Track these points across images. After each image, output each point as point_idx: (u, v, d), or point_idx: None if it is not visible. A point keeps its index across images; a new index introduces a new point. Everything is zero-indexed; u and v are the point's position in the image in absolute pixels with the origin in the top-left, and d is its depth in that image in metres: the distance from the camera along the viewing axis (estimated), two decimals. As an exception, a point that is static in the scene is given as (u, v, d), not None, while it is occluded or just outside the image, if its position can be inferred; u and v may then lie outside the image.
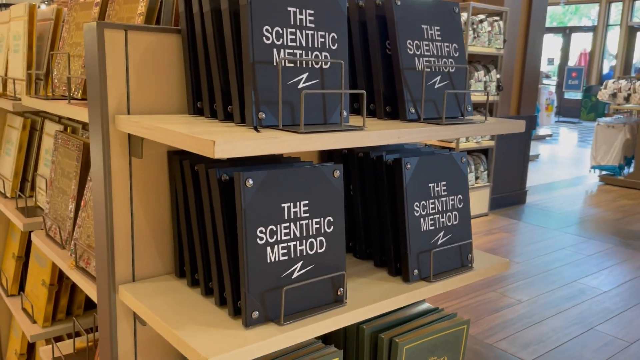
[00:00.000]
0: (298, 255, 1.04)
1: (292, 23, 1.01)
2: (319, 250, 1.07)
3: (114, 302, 1.18)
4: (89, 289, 1.29)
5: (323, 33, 1.05)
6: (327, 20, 1.06)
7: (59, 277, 1.92)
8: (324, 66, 1.05)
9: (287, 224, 1.02)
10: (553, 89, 15.42)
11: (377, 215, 1.29)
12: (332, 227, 1.09)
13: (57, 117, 2.08)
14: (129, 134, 1.13)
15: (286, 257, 1.02)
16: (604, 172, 7.86)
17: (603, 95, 7.88)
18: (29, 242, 2.18)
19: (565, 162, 9.51)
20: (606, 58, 17.26)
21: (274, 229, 1.01)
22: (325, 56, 1.06)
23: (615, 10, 16.74)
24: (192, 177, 1.11)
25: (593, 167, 7.97)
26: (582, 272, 4.24)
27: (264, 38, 0.98)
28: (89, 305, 2.06)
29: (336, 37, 1.07)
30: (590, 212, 6.15)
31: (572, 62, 18.13)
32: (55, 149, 1.66)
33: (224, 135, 0.87)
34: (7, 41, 1.98)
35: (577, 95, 17.55)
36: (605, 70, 17.38)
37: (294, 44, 1.02)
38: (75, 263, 1.40)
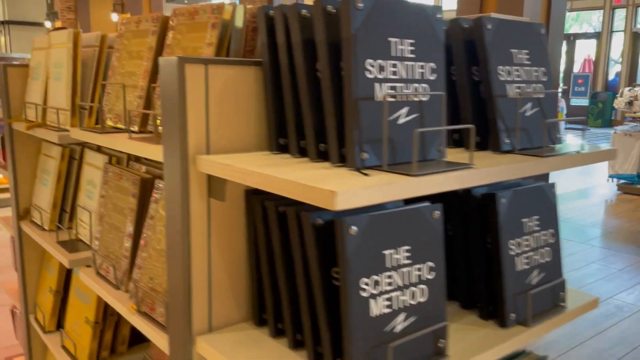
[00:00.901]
0: (401, 306, 0.95)
1: (392, 55, 0.93)
2: (420, 300, 0.98)
3: (189, 354, 1.09)
4: (158, 338, 1.20)
5: (422, 64, 0.97)
6: (426, 49, 0.98)
7: (104, 314, 1.83)
8: (422, 99, 0.97)
9: (390, 273, 0.94)
10: (559, 95, 15.37)
11: (464, 254, 1.20)
12: (433, 273, 1.00)
13: (96, 146, 2.01)
14: (208, 175, 1.05)
15: (389, 310, 0.94)
16: (622, 181, 7.76)
17: (619, 103, 7.81)
18: (67, 276, 2.09)
19: (579, 170, 9.41)
20: (610, 64, 17.21)
21: (377, 279, 0.92)
22: (425, 88, 0.98)
23: (619, 16, 16.72)
24: (277, 220, 1.03)
25: (611, 176, 7.87)
26: (617, 288, 4.13)
27: (366, 72, 0.90)
28: (133, 340, 1.96)
29: (435, 67, 0.99)
30: (613, 223, 6.04)
31: (576, 68, 18.08)
32: (105, 182, 1.58)
33: (341, 183, 0.78)
34: (45, 68, 1.91)
35: (584, 102, 17.48)
36: (611, 77, 17.33)
37: (395, 77, 0.94)
38: (137, 307, 1.31)
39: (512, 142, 1.13)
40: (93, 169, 1.83)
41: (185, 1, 19.53)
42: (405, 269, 0.96)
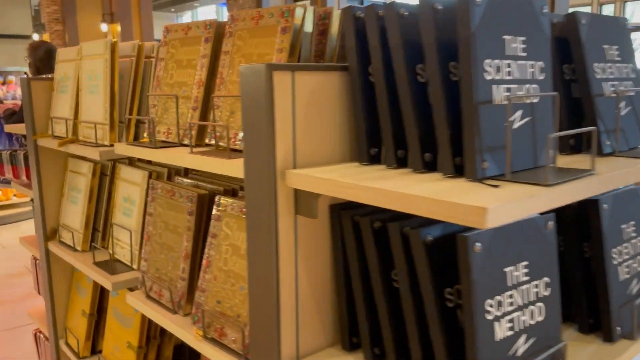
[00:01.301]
0: (522, 327, 0.88)
1: (507, 54, 0.86)
2: (538, 319, 0.90)
3: (278, 385, 1.00)
4: (235, 367, 1.12)
5: (532, 62, 0.90)
6: (535, 47, 0.90)
7: (147, 338, 1.74)
8: (534, 100, 0.90)
9: (511, 292, 0.86)
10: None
11: (561, 265, 1.13)
12: (549, 289, 0.92)
13: (128, 160, 1.92)
14: (295, 190, 0.97)
15: (511, 332, 0.86)
16: None
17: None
18: (100, 298, 1.99)
19: None
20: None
21: (500, 299, 0.84)
22: (535, 89, 0.91)
23: (606, 11, 16.83)
24: (373, 236, 0.95)
25: None
26: None
27: (485, 73, 0.82)
28: (175, 364, 1.87)
29: (543, 67, 0.92)
30: None
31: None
32: (152, 200, 1.49)
33: (481, 197, 0.70)
34: (75, 81, 1.82)
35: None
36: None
37: (510, 78, 0.86)
38: (204, 333, 1.22)
39: (612, 143, 1.06)
40: (129, 185, 1.74)
41: (172, 9, 19.43)
42: (524, 287, 0.88)
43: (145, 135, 1.48)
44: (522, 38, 0.88)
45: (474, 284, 0.80)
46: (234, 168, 1.03)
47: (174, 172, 1.70)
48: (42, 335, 2.45)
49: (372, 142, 0.98)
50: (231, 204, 1.24)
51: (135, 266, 1.68)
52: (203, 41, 1.33)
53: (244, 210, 1.20)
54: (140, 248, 1.67)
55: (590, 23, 1.06)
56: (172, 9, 19.19)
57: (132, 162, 1.92)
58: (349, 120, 1.03)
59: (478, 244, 0.81)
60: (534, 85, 0.90)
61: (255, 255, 1.00)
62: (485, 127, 0.82)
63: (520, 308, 0.87)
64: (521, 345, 0.87)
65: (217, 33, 1.31)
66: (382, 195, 0.78)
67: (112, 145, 1.60)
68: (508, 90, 0.86)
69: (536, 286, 0.90)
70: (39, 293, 2.47)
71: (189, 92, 1.35)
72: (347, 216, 0.99)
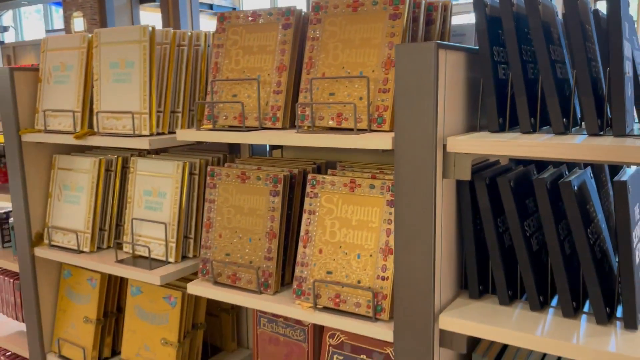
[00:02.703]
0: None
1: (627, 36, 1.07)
2: (643, 248, 1.13)
3: (430, 332, 1.11)
4: (361, 327, 1.19)
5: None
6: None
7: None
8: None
9: (636, 227, 1.08)
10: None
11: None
12: (646, 225, 1.16)
13: (138, 152, 1.84)
14: (449, 155, 1.09)
15: (637, 259, 1.07)
16: None
17: None
18: (106, 302, 1.88)
19: None
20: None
21: (635, 232, 1.05)
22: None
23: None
24: (511, 193, 1.10)
25: None
26: None
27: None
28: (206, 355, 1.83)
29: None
30: None
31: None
32: (212, 186, 1.49)
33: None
34: (80, 70, 1.71)
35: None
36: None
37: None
38: (314, 305, 1.28)
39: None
40: (154, 178, 1.68)
41: None
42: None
43: (205, 122, 1.47)
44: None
45: (630, 220, 1.00)
46: (381, 142, 1.12)
47: (217, 160, 1.69)
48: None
49: (500, 112, 1.14)
50: (331, 181, 1.31)
51: (171, 259, 1.64)
52: (281, 27, 1.38)
53: (349, 185, 1.28)
54: (180, 239, 1.63)
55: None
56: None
57: (141, 154, 1.85)
58: (475, 94, 1.18)
59: (630, 187, 1.00)
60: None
61: (407, 222, 1.09)
62: None
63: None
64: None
65: (299, 19, 1.37)
66: (545, 147, 0.94)
67: (152, 135, 1.56)
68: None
69: (642, 223, 1.13)
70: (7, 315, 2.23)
71: (265, 77, 1.38)
72: (481, 177, 1.13)
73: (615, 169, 1.53)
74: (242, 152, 1.86)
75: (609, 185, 1.54)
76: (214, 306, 1.89)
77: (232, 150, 1.86)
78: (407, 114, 1.06)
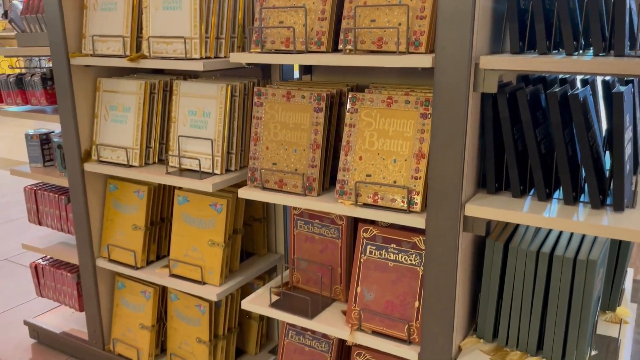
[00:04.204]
0: (627, 156, 1.35)
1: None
2: (629, 152, 1.39)
3: (458, 218, 1.37)
4: (397, 218, 1.45)
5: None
6: None
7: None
8: (629, 7, 1.34)
9: (627, 131, 1.33)
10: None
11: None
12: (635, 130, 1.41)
13: (183, 77, 2.02)
14: (478, 72, 1.31)
15: (627, 159, 1.33)
16: None
17: None
18: (161, 211, 2.11)
19: None
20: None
21: (625, 135, 1.31)
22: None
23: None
24: (527, 104, 1.34)
25: None
26: None
27: None
28: (242, 257, 2.09)
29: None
30: None
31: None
32: (260, 105, 1.69)
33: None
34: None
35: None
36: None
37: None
38: (355, 202, 1.52)
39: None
40: (198, 99, 1.87)
41: None
42: (629, 128, 1.35)
43: (253, 46, 1.65)
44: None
45: (623, 125, 1.25)
46: (422, 61, 1.33)
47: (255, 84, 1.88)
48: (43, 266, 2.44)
49: (521, 36, 1.35)
50: (369, 98, 1.53)
51: (217, 171, 1.86)
52: (325, -40, 1.55)
53: (386, 101, 1.51)
54: (224, 153, 1.85)
55: None
56: None
57: (185, 77, 2.03)
58: (499, 21, 1.39)
59: (625, 97, 1.25)
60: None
61: (442, 130, 1.33)
62: (625, 22, 1.24)
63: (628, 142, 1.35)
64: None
65: (341, -47, 1.54)
66: (563, 63, 1.17)
67: (204, 58, 1.74)
68: None
69: (632, 130, 1.38)
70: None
71: (310, 5, 1.57)
72: (503, 91, 1.36)
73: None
74: (273, 78, 2.05)
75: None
76: (247, 216, 2.14)
77: (264, 76, 2.05)
78: (448, 36, 1.28)
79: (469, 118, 1.33)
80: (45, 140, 2.35)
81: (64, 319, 2.57)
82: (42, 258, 2.52)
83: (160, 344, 2.21)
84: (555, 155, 1.34)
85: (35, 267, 2.49)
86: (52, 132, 2.39)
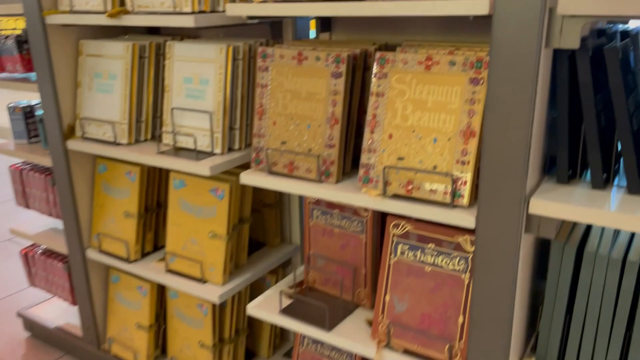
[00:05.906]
0: None
1: None
2: None
3: (520, 216, 1.04)
4: (438, 214, 1.12)
5: None
6: None
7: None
8: None
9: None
10: None
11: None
12: None
13: (180, 37, 1.71)
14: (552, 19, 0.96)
15: None
16: None
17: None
18: (158, 195, 1.82)
19: None
20: None
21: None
22: None
23: None
24: (619, 65, 0.99)
25: None
26: None
27: None
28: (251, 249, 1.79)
29: None
30: None
31: None
32: (265, 69, 1.37)
33: None
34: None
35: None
36: None
37: None
38: (383, 192, 1.20)
39: None
40: (195, 64, 1.56)
41: None
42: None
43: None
44: None
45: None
46: (476, 6, 0.99)
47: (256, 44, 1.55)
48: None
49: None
50: (403, 59, 1.19)
51: (217, 151, 1.55)
52: None
53: (424, 62, 1.17)
54: (225, 129, 1.53)
55: None
56: None
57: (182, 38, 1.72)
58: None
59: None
60: None
61: (502, 100, 0.99)
62: None
63: None
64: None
65: None
66: None
67: (197, 12, 1.41)
68: None
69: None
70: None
71: (328, -60, 1.22)
72: (584, 48, 1.01)
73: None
74: (285, 37, 1.72)
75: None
76: (256, 201, 1.83)
77: (274, 36, 1.71)
78: (511, -24, 0.93)
79: (538, 84, 0.98)
80: (29, 113, 2.06)
81: (59, 311, 2.33)
82: (32, 245, 2.26)
83: (161, 344, 1.95)
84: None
85: (26, 254, 2.23)
86: (38, 103, 2.10)
